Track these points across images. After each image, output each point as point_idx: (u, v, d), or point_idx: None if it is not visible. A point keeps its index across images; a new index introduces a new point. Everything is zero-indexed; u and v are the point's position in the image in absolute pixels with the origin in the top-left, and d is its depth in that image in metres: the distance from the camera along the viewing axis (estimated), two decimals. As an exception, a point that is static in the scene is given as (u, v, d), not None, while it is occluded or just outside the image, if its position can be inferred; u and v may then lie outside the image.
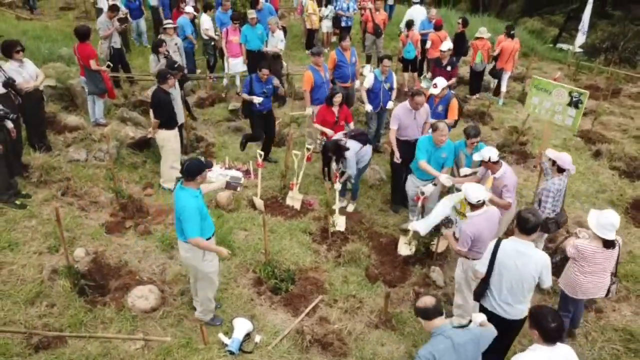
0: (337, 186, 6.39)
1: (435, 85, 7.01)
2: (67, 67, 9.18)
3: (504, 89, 10.64)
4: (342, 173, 6.39)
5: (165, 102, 6.46)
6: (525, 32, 15.90)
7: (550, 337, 3.22)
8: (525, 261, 3.88)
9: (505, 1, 21.20)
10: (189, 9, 10.85)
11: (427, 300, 3.46)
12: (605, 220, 4.23)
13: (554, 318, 3.21)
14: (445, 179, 5.74)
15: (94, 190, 6.54)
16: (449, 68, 8.75)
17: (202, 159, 4.46)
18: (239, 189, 5.37)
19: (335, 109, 6.58)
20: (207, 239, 4.39)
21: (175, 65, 7.01)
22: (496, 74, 10.51)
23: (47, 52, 10.27)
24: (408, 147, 6.36)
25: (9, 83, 5.76)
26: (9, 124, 5.49)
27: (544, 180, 5.63)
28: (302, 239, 6.26)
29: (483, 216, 4.58)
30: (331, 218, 6.26)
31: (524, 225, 3.87)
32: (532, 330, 3.32)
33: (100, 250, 5.52)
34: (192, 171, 4.22)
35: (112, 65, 8.42)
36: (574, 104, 6.44)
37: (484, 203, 4.55)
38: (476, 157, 5.29)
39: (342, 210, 6.74)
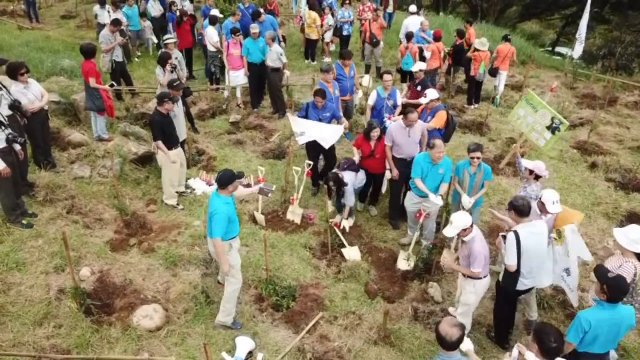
0: (346, 222, 6.68)
1: (424, 95, 7.22)
2: (70, 82, 9.31)
3: (501, 88, 11.32)
4: (342, 205, 6.70)
5: (159, 123, 6.54)
6: (524, 40, 15.95)
7: (548, 354, 3.50)
8: (539, 238, 4.70)
9: (503, 7, 21.29)
10: (214, 11, 11.11)
11: (450, 332, 3.33)
12: (635, 235, 4.45)
13: (556, 338, 3.49)
14: (434, 198, 5.92)
15: (98, 208, 6.66)
16: (419, 88, 8.46)
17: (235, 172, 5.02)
18: (269, 194, 6.03)
19: (372, 143, 6.71)
20: (232, 238, 5.05)
21: (175, 84, 7.11)
22: (494, 72, 11.18)
23: (49, 64, 10.39)
24: (406, 165, 6.49)
25: (15, 105, 5.88)
26: (17, 147, 5.62)
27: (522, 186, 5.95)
28: (303, 254, 6.38)
29: (479, 233, 4.87)
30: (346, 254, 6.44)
31: (522, 210, 4.65)
32: (533, 343, 3.57)
33: (105, 269, 5.64)
34: (222, 181, 4.86)
35: (115, 84, 8.52)
36: (553, 129, 6.69)
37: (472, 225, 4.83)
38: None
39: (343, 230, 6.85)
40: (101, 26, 12.31)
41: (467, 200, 5.99)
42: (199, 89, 10.92)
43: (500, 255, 5.60)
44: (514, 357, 3.67)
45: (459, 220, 4.72)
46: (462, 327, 3.42)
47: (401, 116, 6.89)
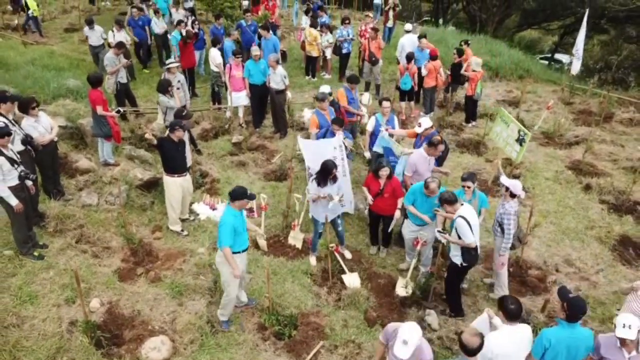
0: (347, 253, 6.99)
1: (419, 125, 7.54)
2: (76, 105, 9.51)
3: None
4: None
5: (165, 149, 6.72)
6: (522, 52, 16.10)
7: (510, 315, 4.15)
8: (474, 212, 5.66)
9: (502, 17, 21.48)
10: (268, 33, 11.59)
11: (471, 340, 3.83)
12: None
13: (513, 302, 4.17)
14: (438, 234, 6.10)
15: (106, 236, 6.88)
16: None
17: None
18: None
19: (381, 181, 6.64)
20: (238, 252, 5.43)
21: (184, 113, 7.34)
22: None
23: (55, 85, 10.58)
24: None
25: (27, 140, 6.11)
26: (29, 183, 5.84)
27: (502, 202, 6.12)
28: (304, 281, 6.59)
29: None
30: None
31: (451, 200, 5.58)
32: (500, 312, 4.25)
33: (115, 300, 5.86)
34: (233, 195, 5.30)
35: (121, 110, 8.72)
36: (520, 141, 7.05)
37: None
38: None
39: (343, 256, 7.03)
40: (93, 48, 12.56)
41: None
42: (202, 109, 11.12)
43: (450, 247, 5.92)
44: (484, 319, 4.21)
45: (413, 337, 3.95)
46: (481, 336, 3.88)
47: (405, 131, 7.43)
